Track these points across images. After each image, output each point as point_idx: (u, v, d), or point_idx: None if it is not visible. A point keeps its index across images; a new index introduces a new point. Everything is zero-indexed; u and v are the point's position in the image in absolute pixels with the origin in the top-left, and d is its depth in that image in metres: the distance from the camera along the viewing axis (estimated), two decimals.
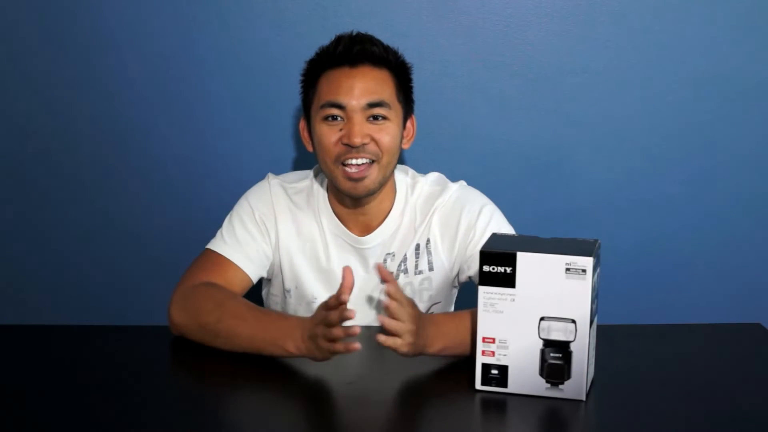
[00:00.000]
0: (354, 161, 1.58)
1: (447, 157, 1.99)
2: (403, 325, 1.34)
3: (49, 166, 2.06)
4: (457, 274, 1.69)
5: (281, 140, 2.03)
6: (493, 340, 1.31)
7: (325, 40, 1.65)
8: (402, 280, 1.68)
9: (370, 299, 1.69)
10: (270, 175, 1.72)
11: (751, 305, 2.07)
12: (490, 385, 1.33)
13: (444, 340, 1.41)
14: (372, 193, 1.62)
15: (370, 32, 1.65)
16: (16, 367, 1.46)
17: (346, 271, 1.33)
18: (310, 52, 1.66)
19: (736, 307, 2.07)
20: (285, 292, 1.70)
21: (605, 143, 2.02)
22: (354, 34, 1.63)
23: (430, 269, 1.68)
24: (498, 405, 1.32)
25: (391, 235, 1.68)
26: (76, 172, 2.06)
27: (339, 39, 1.63)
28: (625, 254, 2.05)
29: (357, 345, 1.31)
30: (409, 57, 1.68)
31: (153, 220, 2.08)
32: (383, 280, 1.36)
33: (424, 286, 1.69)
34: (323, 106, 1.59)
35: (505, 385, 1.32)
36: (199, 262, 1.64)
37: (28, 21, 1.99)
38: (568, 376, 1.30)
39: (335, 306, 1.32)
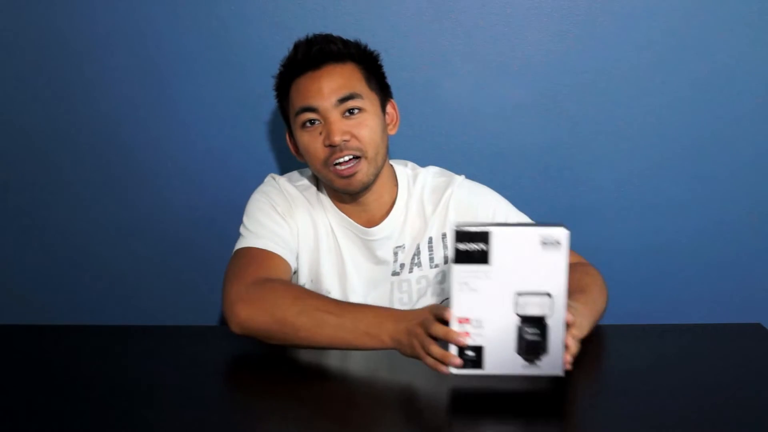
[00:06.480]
0: (340, 160, 1.59)
1: (446, 157, 1.99)
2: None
3: (49, 167, 2.06)
4: None
5: (280, 141, 2.02)
6: (468, 320, 1.29)
7: None
8: (416, 273, 1.69)
9: (377, 289, 1.70)
10: (273, 176, 1.73)
11: (751, 305, 2.07)
12: (466, 367, 1.30)
13: (583, 329, 1.43)
14: (367, 187, 1.63)
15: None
16: (16, 367, 1.46)
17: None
18: None
19: (736, 307, 2.07)
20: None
21: (605, 143, 2.02)
22: (310, 37, 1.65)
23: (446, 262, 1.68)
24: (499, 403, 1.32)
25: (399, 228, 1.69)
26: (75, 173, 2.06)
27: (296, 46, 1.65)
28: (625, 254, 2.05)
29: (446, 370, 1.30)
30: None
31: (152, 221, 2.08)
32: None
33: (439, 279, 1.69)
34: (298, 113, 1.61)
35: (480, 366, 1.30)
36: (243, 261, 1.59)
37: (25, 23, 1.99)
38: (546, 352, 1.29)
39: (442, 321, 1.30)
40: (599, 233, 2.05)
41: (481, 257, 1.27)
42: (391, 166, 1.72)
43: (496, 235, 1.27)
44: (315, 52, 1.61)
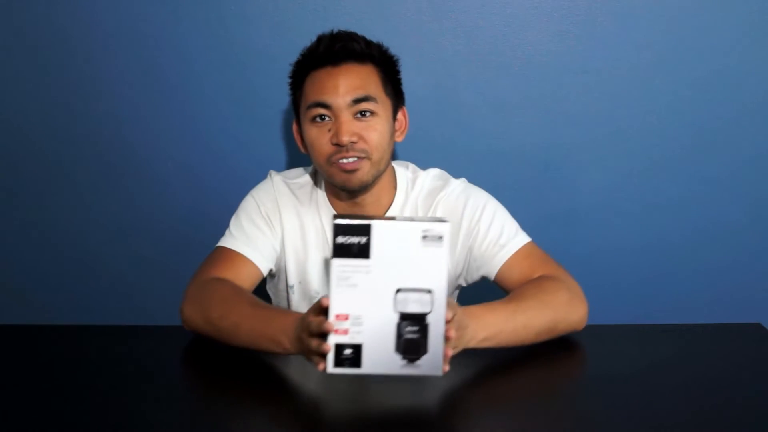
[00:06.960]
0: (344, 160, 1.58)
1: (447, 157, 1.99)
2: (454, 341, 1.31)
3: (49, 167, 2.06)
4: (463, 273, 1.69)
5: (281, 140, 2.03)
6: (347, 317, 1.24)
7: None
8: None
9: None
10: (272, 172, 1.74)
11: (751, 305, 2.07)
12: (343, 366, 1.25)
13: (485, 331, 1.41)
14: (366, 186, 1.63)
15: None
16: (16, 367, 1.46)
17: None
18: None
19: (736, 307, 2.08)
20: (288, 288, 1.71)
21: (605, 143, 2.02)
22: (335, 32, 1.63)
23: None
24: (500, 406, 1.32)
25: None
26: (75, 172, 2.06)
27: (320, 39, 1.63)
28: (625, 254, 2.05)
29: (322, 365, 1.25)
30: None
31: (153, 221, 2.08)
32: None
33: None
34: (310, 107, 1.60)
35: (358, 365, 1.25)
36: (210, 259, 1.64)
37: (26, 23, 1.99)
38: (425, 351, 1.25)
39: (319, 313, 1.28)
40: (599, 233, 2.05)
41: (361, 251, 1.23)
42: (393, 168, 1.71)
43: (377, 228, 1.23)
44: (338, 48, 1.60)
